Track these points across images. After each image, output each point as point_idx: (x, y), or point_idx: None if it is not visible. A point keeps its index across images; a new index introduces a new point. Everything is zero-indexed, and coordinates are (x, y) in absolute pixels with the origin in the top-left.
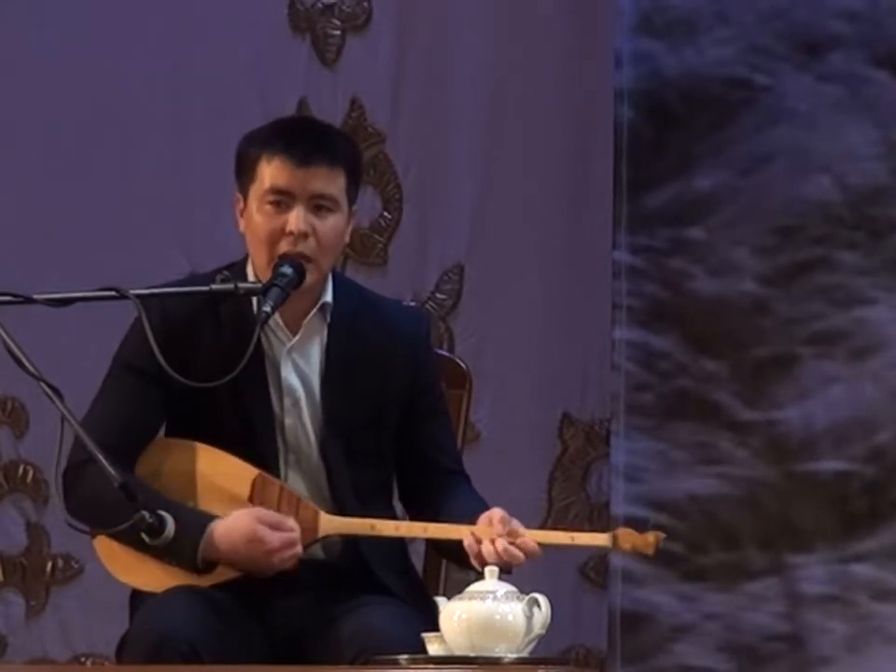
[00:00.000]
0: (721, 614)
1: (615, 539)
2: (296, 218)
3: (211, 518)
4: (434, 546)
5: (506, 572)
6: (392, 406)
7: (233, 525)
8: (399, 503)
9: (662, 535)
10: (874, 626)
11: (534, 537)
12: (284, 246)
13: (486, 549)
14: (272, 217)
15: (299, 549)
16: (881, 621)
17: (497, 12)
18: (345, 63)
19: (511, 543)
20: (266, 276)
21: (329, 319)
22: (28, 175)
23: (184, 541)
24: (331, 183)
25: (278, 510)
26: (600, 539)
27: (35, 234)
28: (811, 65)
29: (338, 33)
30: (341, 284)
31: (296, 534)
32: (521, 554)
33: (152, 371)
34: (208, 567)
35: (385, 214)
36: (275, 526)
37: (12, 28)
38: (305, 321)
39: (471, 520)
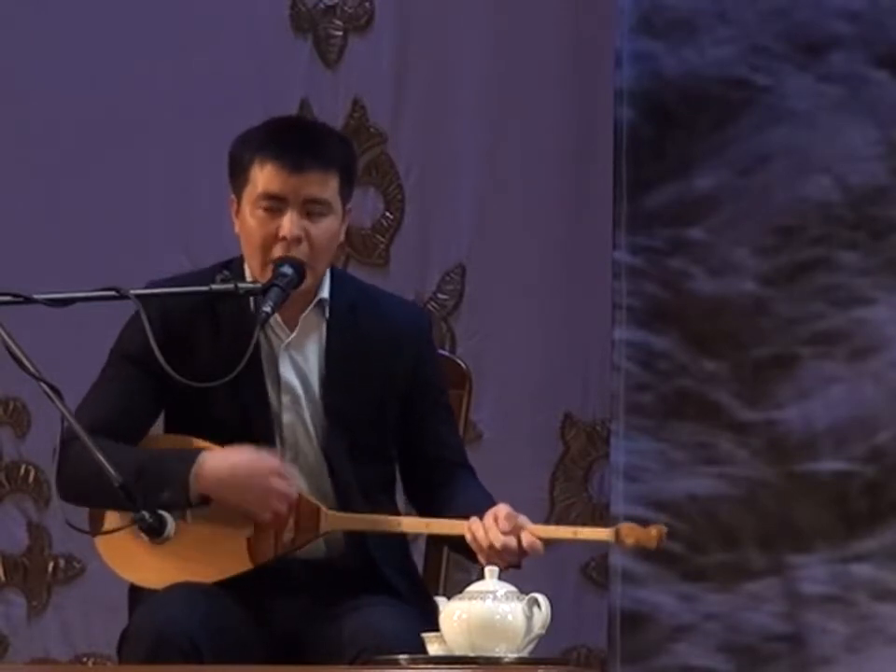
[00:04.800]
0: (721, 614)
1: (618, 533)
2: (289, 224)
3: (198, 451)
4: (440, 539)
5: (515, 566)
6: (393, 401)
7: (222, 454)
8: (404, 498)
9: (664, 528)
10: (874, 626)
11: (537, 532)
12: (277, 251)
13: (479, 536)
14: (265, 222)
15: (294, 489)
16: (881, 621)
17: (498, 13)
18: (347, 63)
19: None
20: (261, 277)
21: (327, 315)
22: (28, 175)
23: (174, 478)
24: (324, 187)
25: None
26: (603, 534)
27: (35, 234)
28: (811, 65)
29: (340, 33)
30: (338, 279)
31: (290, 468)
32: (504, 539)
33: (149, 362)
34: (202, 502)
35: (387, 214)
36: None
37: (14, 28)
38: (302, 317)
39: (478, 515)
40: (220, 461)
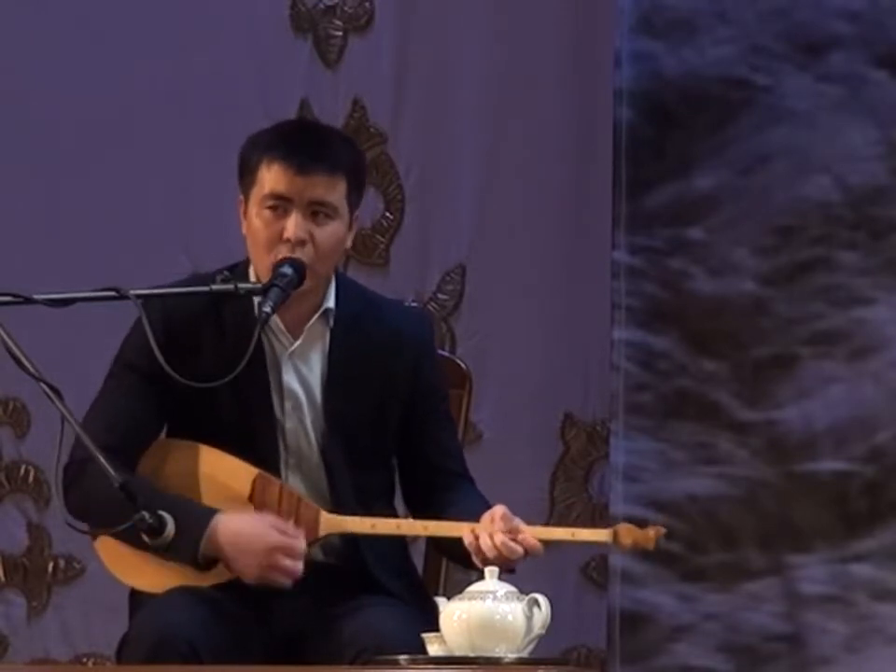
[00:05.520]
0: (720, 614)
1: (616, 534)
2: (293, 225)
3: (214, 512)
4: (437, 547)
5: (509, 571)
6: (394, 408)
7: (238, 517)
8: (402, 505)
9: (662, 529)
10: (874, 626)
11: (535, 533)
12: (282, 252)
13: (485, 543)
14: (270, 222)
15: (299, 566)
16: (881, 621)
17: (498, 13)
18: (347, 63)
19: (512, 539)
20: (267, 279)
21: (331, 324)
22: (29, 175)
23: (185, 536)
24: (331, 190)
25: (279, 509)
26: (601, 535)
27: (35, 234)
28: (811, 65)
29: (340, 33)
30: (344, 287)
31: (302, 545)
32: (519, 549)
33: (153, 370)
34: (209, 564)
35: (387, 214)
36: (282, 531)
37: (14, 28)
38: (307, 326)
39: (475, 521)
40: (231, 535)
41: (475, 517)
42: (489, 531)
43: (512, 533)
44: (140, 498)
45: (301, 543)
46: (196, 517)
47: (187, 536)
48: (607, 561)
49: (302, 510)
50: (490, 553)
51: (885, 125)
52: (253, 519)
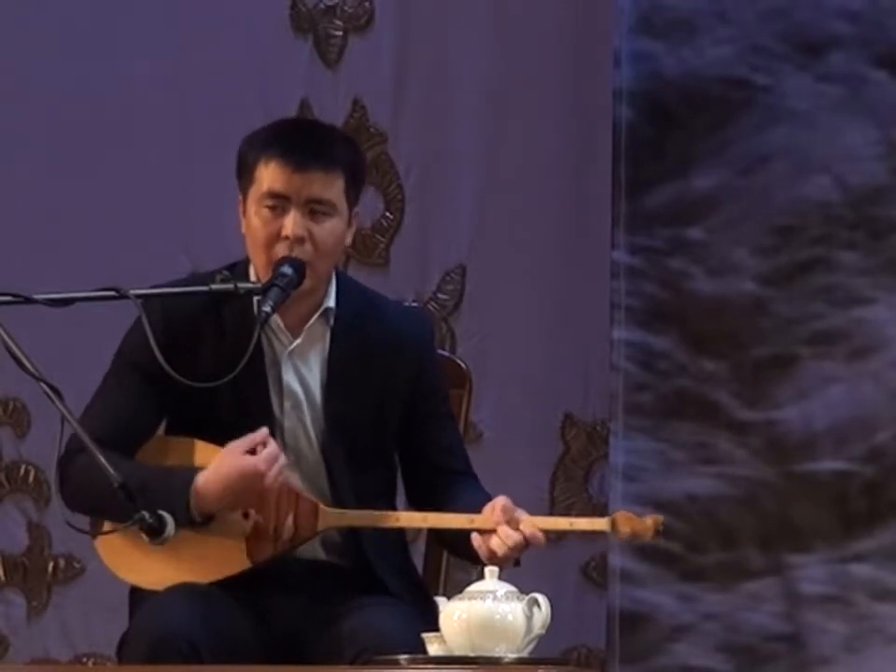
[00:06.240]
0: (720, 614)
1: (614, 522)
2: (292, 223)
3: (192, 472)
4: (439, 541)
5: (514, 564)
6: (394, 408)
7: (214, 470)
8: (404, 504)
9: (660, 518)
10: (873, 626)
11: (533, 522)
12: (280, 251)
13: (494, 541)
14: (268, 221)
15: (283, 459)
16: (881, 621)
17: (499, 13)
18: (347, 63)
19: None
20: (266, 278)
21: (331, 323)
22: (29, 175)
23: (174, 503)
24: (328, 188)
25: (277, 503)
26: (599, 524)
27: (35, 234)
28: (811, 65)
29: (340, 33)
30: (344, 286)
31: (273, 447)
32: (519, 536)
33: (153, 368)
34: (206, 519)
35: (387, 214)
36: (250, 449)
37: (14, 28)
38: (307, 326)
39: (477, 513)
40: (214, 481)
41: (477, 511)
42: (490, 525)
43: (512, 525)
44: (139, 498)
45: (271, 446)
46: (178, 482)
47: (176, 503)
48: (606, 561)
49: (301, 504)
50: (501, 551)
51: (885, 125)
52: (224, 461)
